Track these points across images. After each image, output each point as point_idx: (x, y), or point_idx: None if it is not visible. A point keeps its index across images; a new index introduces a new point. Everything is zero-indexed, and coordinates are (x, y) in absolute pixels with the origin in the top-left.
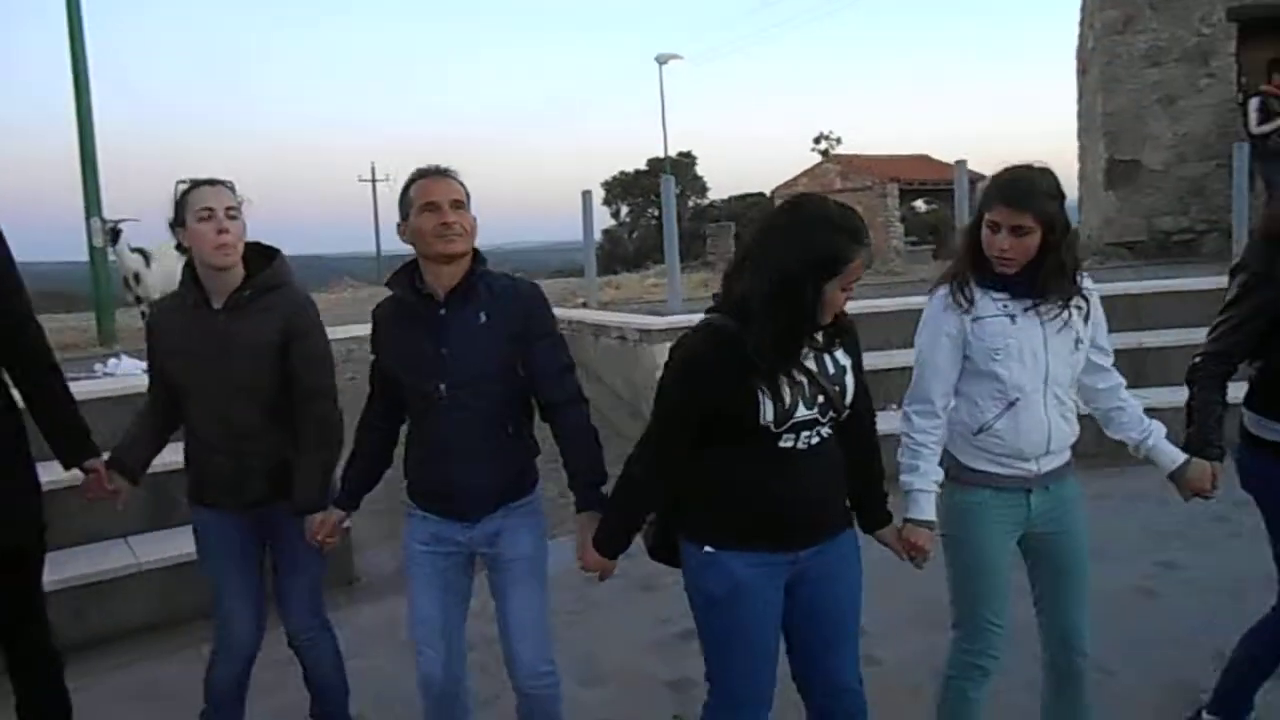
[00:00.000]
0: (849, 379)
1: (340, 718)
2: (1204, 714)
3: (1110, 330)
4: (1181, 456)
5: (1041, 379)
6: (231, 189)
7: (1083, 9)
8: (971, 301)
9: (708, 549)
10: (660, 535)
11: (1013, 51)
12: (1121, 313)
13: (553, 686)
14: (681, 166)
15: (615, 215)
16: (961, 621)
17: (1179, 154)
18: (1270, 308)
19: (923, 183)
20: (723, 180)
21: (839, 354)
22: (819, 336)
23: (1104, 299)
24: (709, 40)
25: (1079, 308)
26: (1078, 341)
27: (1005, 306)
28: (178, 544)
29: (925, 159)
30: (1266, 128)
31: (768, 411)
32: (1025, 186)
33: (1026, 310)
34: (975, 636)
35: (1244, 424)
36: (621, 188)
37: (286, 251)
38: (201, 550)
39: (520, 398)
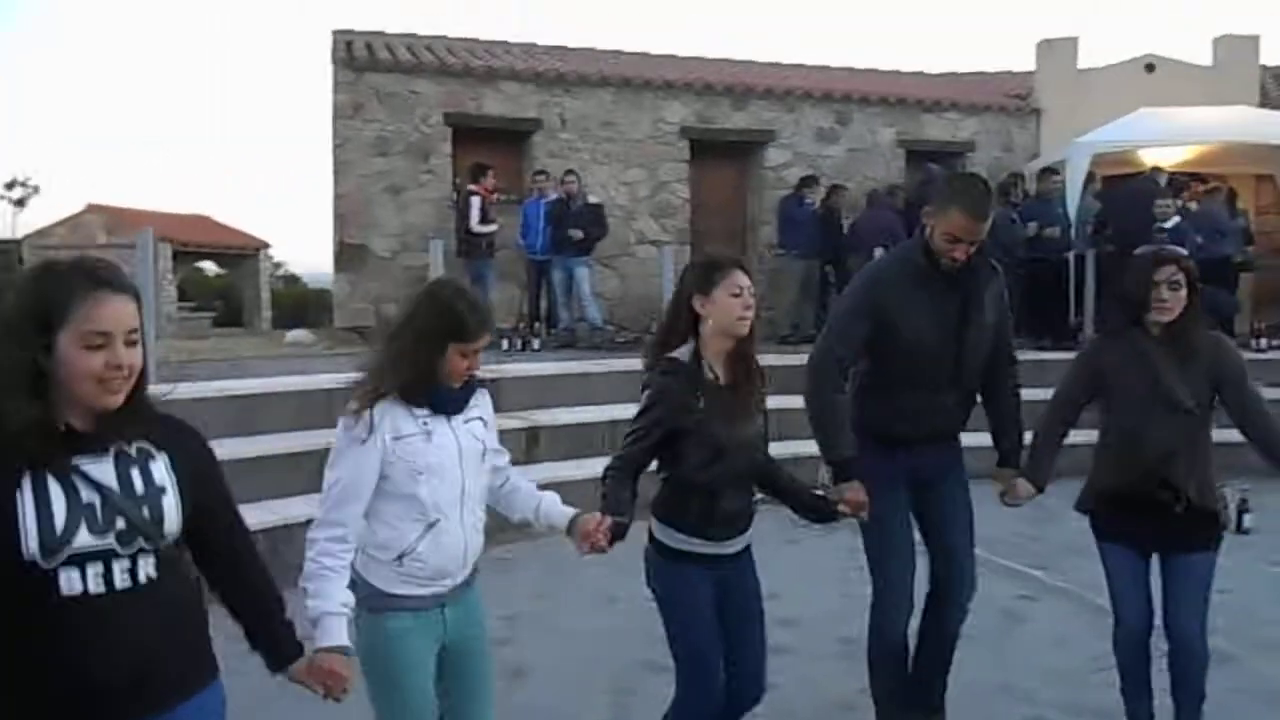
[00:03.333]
0: (169, 500)
1: None
2: None
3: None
4: (573, 512)
5: (459, 494)
6: None
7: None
8: (398, 421)
9: None
10: None
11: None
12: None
13: None
14: None
15: None
16: None
17: (404, 242)
18: (663, 424)
19: (202, 245)
20: None
21: (157, 466)
22: (126, 444)
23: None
24: None
25: (484, 416)
26: (485, 451)
27: (425, 423)
28: None
29: (207, 220)
30: (482, 229)
31: (30, 537)
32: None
33: (443, 425)
34: None
35: (651, 530)
36: None
37: None
38: None
39: None
